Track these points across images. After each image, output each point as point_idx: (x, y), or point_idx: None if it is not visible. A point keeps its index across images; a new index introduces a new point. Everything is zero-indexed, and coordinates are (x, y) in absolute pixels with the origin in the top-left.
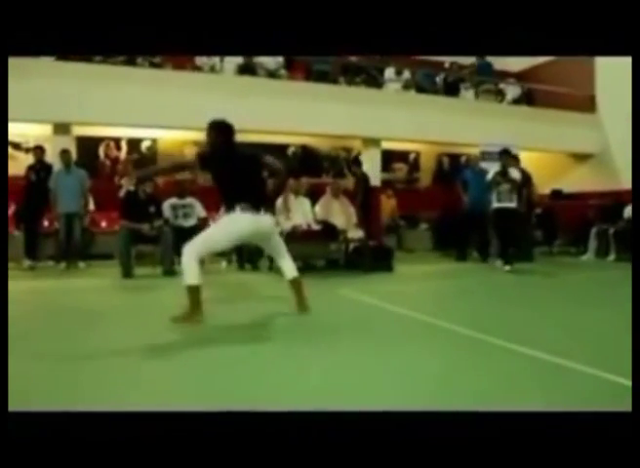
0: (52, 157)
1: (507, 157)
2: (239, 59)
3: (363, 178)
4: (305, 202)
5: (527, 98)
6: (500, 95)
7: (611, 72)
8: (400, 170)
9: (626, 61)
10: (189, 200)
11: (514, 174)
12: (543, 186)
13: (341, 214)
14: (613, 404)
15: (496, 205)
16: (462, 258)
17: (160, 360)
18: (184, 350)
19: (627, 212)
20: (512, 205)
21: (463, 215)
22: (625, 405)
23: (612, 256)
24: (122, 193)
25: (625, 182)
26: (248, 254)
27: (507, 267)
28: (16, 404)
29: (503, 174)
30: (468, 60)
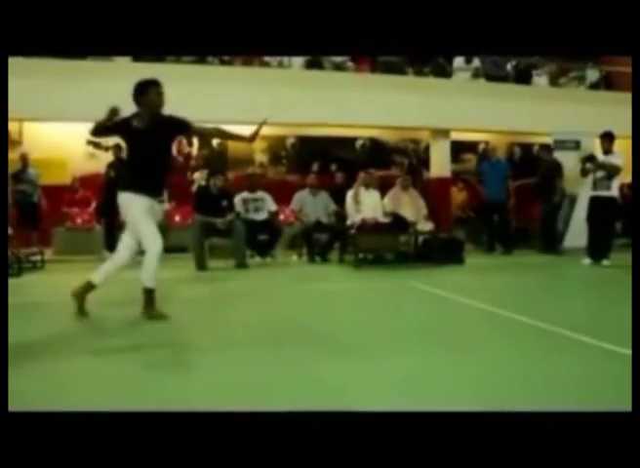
0: None
1: (608, 140)
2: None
3: (554, 167)
4: (375, 194)
5: (606, 82)
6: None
7: None
8: (470, 160)
9: None
10: (260, 194)
11: (614, 159)
12: (625, 174)
13: (411, 207)
14: None
15: (591, 193)
16: (491, 249)
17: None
18: (247, 340)
19: None
20: (609, 193)
21: (483, 206)
22: None
23: None
24: (194, 188)
25: None
26: (318, 247)
27: (606, 262)
28: (16, 404)
29: (591, 159)
30: None
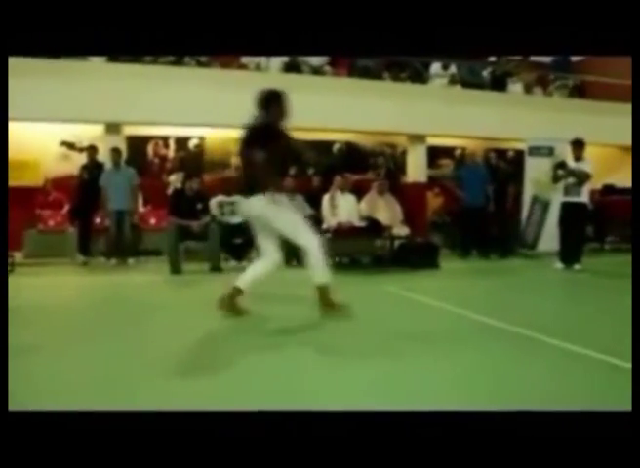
0: (104, 156)
1: (579, 148)
2: (284, 57)
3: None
4: (351, 198)
5: (578, 91)
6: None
7: None
8: (446, 165)
9: None
10: (236, 197)
11: (584, 166)
12: (595, 181)
13: (387, 211)
14: None
15: (562, 199)
16: (466, 254)
17: (184, 359)
18: (218, 348)
19: None
20: (580, 199)
21: (462, 211)
22: None
23: None
24: (170, 191)
25: None
26: (294, 251)
27: (578, 266)
28: (16, 404)
29: (562, 165)
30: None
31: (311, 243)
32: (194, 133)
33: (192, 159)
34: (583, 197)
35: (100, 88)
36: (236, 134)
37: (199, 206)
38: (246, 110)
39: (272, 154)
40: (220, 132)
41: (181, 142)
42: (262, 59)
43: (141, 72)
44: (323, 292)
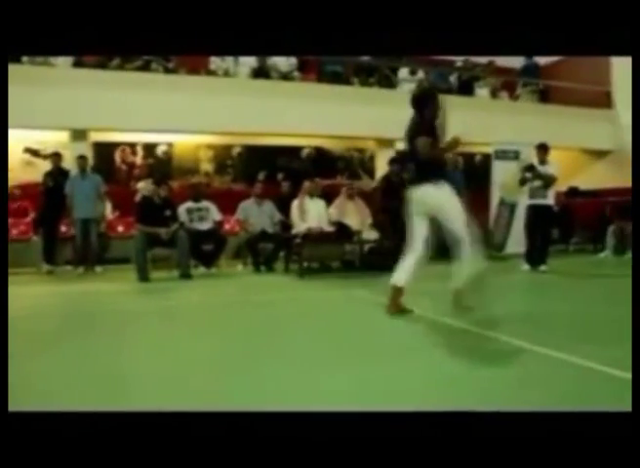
0: (70, 163)
1: (544, 151)
2: (253, 63)
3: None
4: (320, 203)
5: (542, 96)
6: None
7: (627, 67)
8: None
9: None
10: (205, 203)
11: (549, 169)
12: (560, 184)
13: (356, 216)
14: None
15: (528, 202)
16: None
17: (167, 362)
18: (192, 352)
19: None
20: (546, 201)
21: None
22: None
23: (630, 254)
24: (138, 198)
25: None
26: (263, 257)
27: (544, 267)
28: (16, 404)
29: (530, 168)
30: (483, 58)
31: (466, 239)
32: (162, 139)
33: (161, 165)
34: (549, 200)
35: (66, 94)
36: (205, 140)
37: (167, 213)
38: (214, 116)
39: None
40: (188, 138)
41: (150, 149)
42: (231, 65)
43: (108, 78)
44: (457, 296)
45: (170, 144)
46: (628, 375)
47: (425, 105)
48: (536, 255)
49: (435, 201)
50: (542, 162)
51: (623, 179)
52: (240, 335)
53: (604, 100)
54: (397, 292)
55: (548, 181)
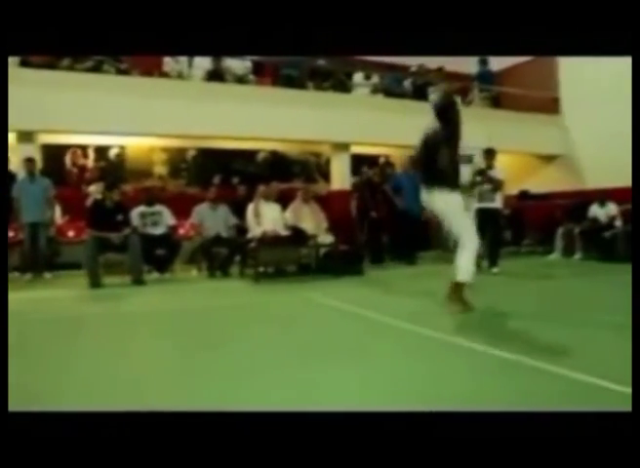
0: (16, 166)
1: (491, 156)
2: (207, 65)
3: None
4: (276, 207)
5: (494, 101)
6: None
7: (573, 74)
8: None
9: (588, 64)
10: (158, 207)
11: (497, 173)
12: (511, 187)
13: (312, 220)
14: (585, 404)
15: (477, 205)
16: (379, 261)
17: (119, 368)
18: (145, 359)
19: (592, 211)
20: (494, 205)
21: (399, 217)
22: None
23: (578, 255)
24: (89, 202)
25: (590, 182)
26: (218, 261)
27: (495, 269)
28: (16, 404)
29: (481, 172)
30: (435, 64)
31: (472, 244)
32: (115, 141)
33: (113, 169)
34: (497, 203)
35: (12, 94)
36: (159, 142)
37: (120, 217)
38: (167, 119)
39: (454, 154)
40: (142, 141)
41: (101, 151)
42: (185, 67)
43: (57, 78)
44: (458, 288)
45: (122, 147)
46: (578, 375)
47: (449, 113)
48: (487, 257)
49: (441, 207)
50: (490, 167)
51: (571, 183)
52: (193, 342)
53: (552, 106)
54: (459, 288)
55: (498, 185)
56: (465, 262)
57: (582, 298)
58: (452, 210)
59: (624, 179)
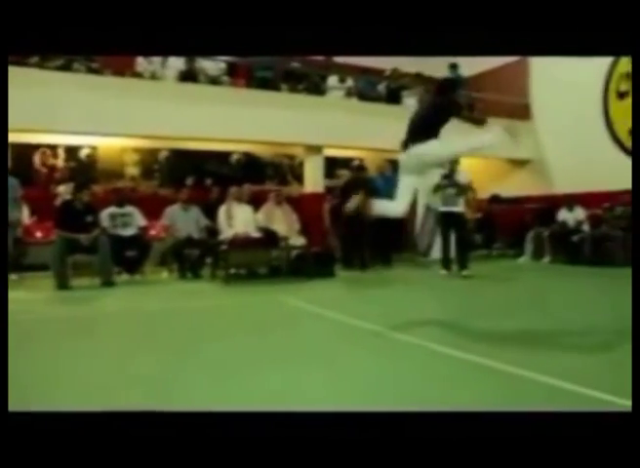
0: None
1: (455, 160)
2: (181, 66)
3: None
4: (248, 209)
5: (466, 106)
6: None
7: (543, 80)
8: (344, 176)
9: (559, 70)
10: (129, 209)
11: (462, 177)
12: (483, 191)
13: (284, 222)
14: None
15: (441, 209)
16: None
17: (85, 371)
18: (111, 362)
19: (560, 215)
20: (458, 209)
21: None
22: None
23: (547, 258)
24: (58, 202)
25: (559, 187)
26: (189, 263)
27: (466, 272)
28: (16, 404)
29: (448, 177)
30: (412, 68)
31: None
32: (86, 141)
33: (84, 169)
34: (461, 207)
35: None
36: (131, 143)
37: (89, 218)
38: (140, 120)
39: None
40: (114, 141)
41: (72, 152)
42: (158, 68)
43: (26, 76)
44: None
45: (94, 147)
46: (537, 376)
47: (447, 94)
48: (449, 261)
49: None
50: (453, 170)
51: (541, 187)
52: (162, 344)
53: (524, 112)
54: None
55: (463, 189)
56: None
57: (549, 300)
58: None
59: (592, 185)
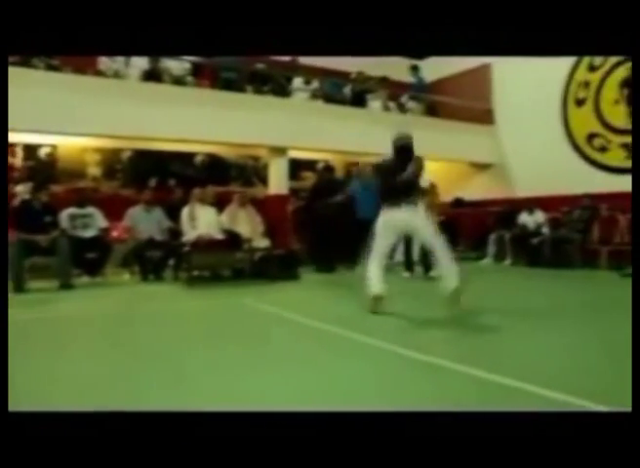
0: None
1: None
2: (144, 65)
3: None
4: (211, 211)
5: (430, 110)
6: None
7: (505, 86)
8: (309, 178)
9: (520, 77)
10: (89, 209)
11: (422, 181)
12: (446, 194)
13: (248, 223)
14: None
15: None
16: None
17: (38, 376)
18: (63, 367)
19: (521, 218)
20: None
21: (355, 226)
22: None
23: (508, 261)
24: (16, 202)
25: (520, 191)
26: (151, 265)
27: (432, 273)
28: (16, 404)
29: None
30: (377, 72)
31: (445, 255)
32: (45, 140)
33: (43, 168)
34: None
35: None
36: (92, 142)
37: (48, 219)
38: (102, 119)
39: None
40: (75, 140)
41: (31, 150)
42: (121, 66)
43: None
44: (456, 294)
45: (54, 146)
46: (490, 376)
47: (410, 159)
48: (418, 263)
49: (411, 221)
50: None
51: (503, 191)
52: (122, 348)
53: (486, 117)
54: (379, 299)
55: (423, 193)
56: (448, 268)
57: (508, 300)
58: (423, 224)
59: (551, 189)
